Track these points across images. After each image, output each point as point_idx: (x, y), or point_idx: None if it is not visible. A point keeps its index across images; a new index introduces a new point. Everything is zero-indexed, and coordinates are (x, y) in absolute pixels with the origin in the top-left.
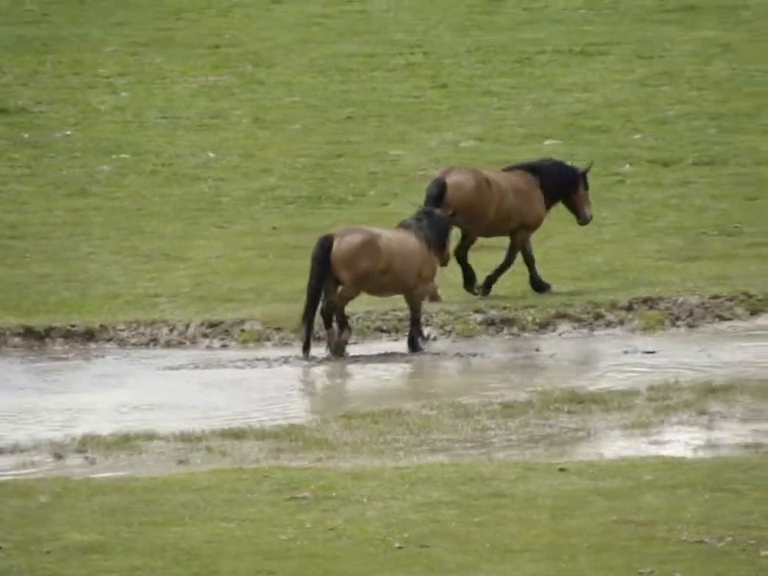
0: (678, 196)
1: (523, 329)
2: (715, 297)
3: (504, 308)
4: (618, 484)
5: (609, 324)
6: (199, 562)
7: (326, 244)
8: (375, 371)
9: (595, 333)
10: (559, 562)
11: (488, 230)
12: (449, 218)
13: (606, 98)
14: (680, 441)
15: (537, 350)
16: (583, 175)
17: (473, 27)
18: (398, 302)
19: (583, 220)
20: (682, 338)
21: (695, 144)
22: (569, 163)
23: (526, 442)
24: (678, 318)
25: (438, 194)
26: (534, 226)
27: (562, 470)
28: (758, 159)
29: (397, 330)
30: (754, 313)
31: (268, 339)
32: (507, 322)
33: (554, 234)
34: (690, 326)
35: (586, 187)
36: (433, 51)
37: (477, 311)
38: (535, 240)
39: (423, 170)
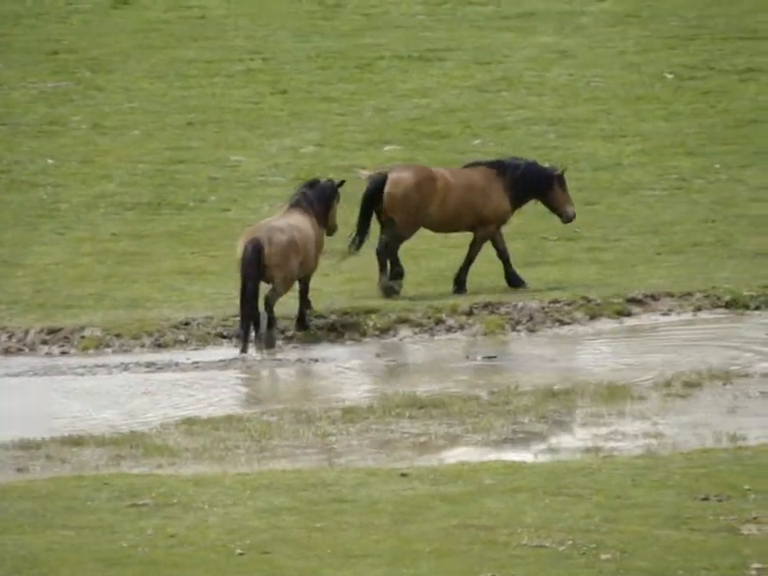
0: None
1: (364, 334)
2: (555, 301)
3: (345, 313)
4: (459, 489)
5: (450, 329)
6: (39, 570)
7: (257, 247)
8: (217, 377)
9: (436, 338)
10: (401, 567)
11: (439, 226)
12: (334, 186)
13: (446, 104)
14: (520, 445)
15: (377, 355)
16: (559, 177)
17: (312, 33)
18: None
19: (566, 218)
20: (523, 343)
21: (534, 149)
22: (545, 165)
23: (367, 447)
24: (518, 323)
25: (375, 188)
26: (494, 221)
27: (403, 475)
28: (596, 165)
29: (238, 336)
30: (593, 317)
31: (108, 346)
32: (348, 327)
33: None
34: (531, 331)
35: (564, 188)
36: (272, 57)
37: (318, 316)
38: (375, 245)
39: (264, 176)
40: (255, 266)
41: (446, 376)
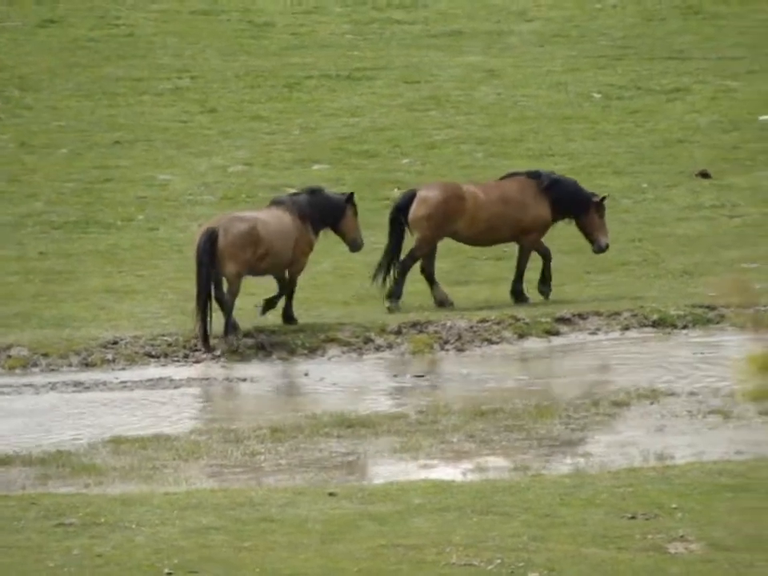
0: None
1: (293, 353)
2: (483, 320)
3: (273, 332)
4: (388, 508)
5: (378, 348)
6: None
7: (212, 236)
8: (144, 396)
9: (364, 357)
10: None
11: (474, 241)
12: (342, 198)
13: (374, 123)
14: (449, 464)
15: (306, 374)
16: (597, 204)
17: (241, 52)
18: (168, 327)
19: (597, 247)
20: (451, 362)
21: (463, 168)
22: (586, 190)
23: (295, 466)
24: (446, 342)
25: (403, 205)
26: (535, 229)
27: (331, 494)
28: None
29: (166, 355)
30: (522, 336)
31: (35, 365)
32: (276, 345)
33: (323, 258)
34: (459, 350)
35: (601, 215)
36: (201, 75)
37: (246, 335)
38: (307, 264)
39: (192, 195)
40: (209, 254)
41: (375, 395)
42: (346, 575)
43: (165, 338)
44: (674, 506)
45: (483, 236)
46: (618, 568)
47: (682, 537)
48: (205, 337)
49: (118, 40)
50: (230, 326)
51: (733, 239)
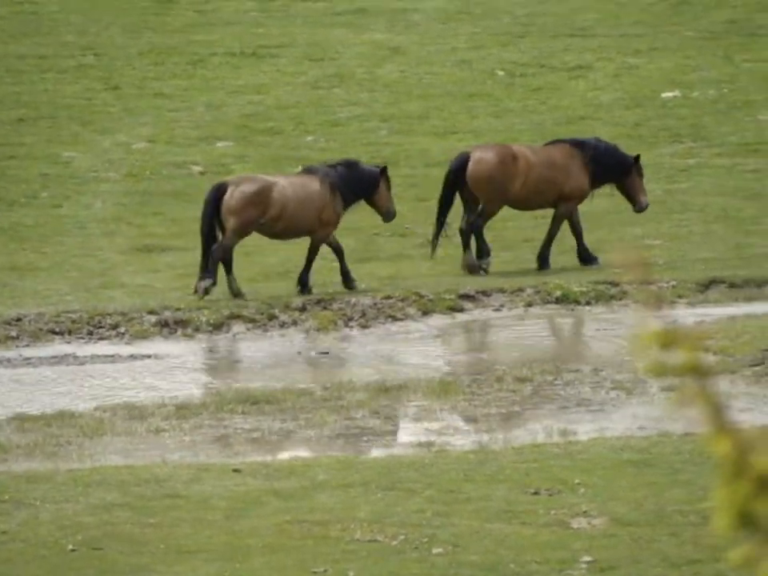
0: None
1: (197, 330)
2: (387, 297)
3: (178, 309)
4: (293, 484)
5: (283, 325)
6: None
7: (220, 189)
8: (48, 373)
9: (269, 333)
10: (233, 562)
11: (521, 203)
12: (376, 171)
13: (278, 100)
14: (353, 440)
15: (211, 350)
16: (636, 164)
17: (144, 29)
18: (71, 303)
19: (638, 207)
20: (355, 339)
21: (367, 146)
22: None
23: (200, 443)
24: (350, 319)
25: (458, 168)
26: (574, 198)
27: (236, 470)
28: (428, 161)
29: (70, 332)
30: (426, 313)
31: None
32: (181, 323)
33: None
34: (363, 327)
35: (641, 175)
36: (105, 53)
37: (150, 312)
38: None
39: (96, 172)
40: (212, 206)
41: (280, 371)
42: (251, 551)
43: (69, 314)
44: (576, 481)
45: (530, 199)
46: (522, 543)
47: (584, 512)
48: (205, 290)
49: (22, 17)
50: (209, 272)
51: (636, 216)
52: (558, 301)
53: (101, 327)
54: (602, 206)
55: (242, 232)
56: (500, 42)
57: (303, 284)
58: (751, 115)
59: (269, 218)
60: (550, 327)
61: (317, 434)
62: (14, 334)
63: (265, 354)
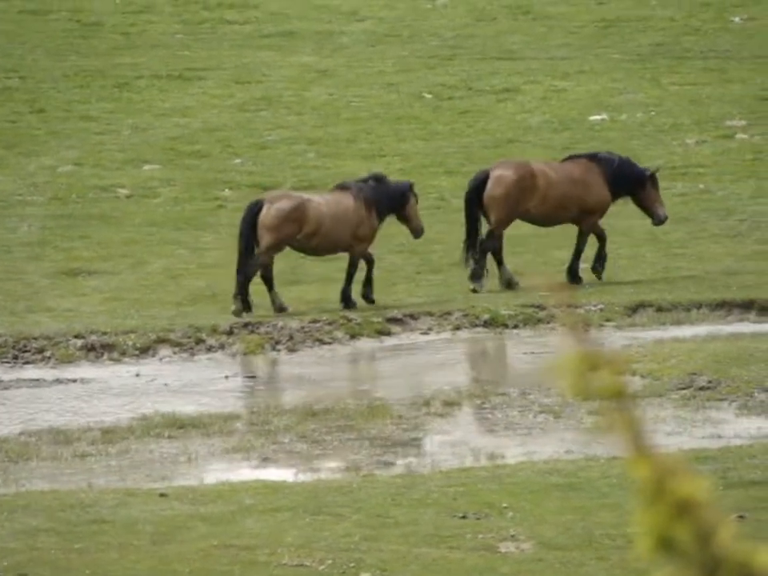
0: None
1: (124, 354)
2: (315, 321)
3: (104, 333)
4: (219, 509)
5: (210, 348)
6: None
7: (256, 206)
8: None
9: (196, 357)
10: None
11: (541, 220)
12: (404, 186)
13: (205, 123)
14: (281, 465)
15: (137, 375)
16: (652, 176)
17: (70, 52)
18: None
19: (657, 220)
20: (282, 363)
21: (294, 168)
22: (638, 165)
23: (126, 467)
24: (278, 342)
25: (477, 186)
26: (597, 211)
27: (162, 495)
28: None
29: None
30: (354, 336)
31: None
32: (107, 347)
33: (153, 258)
34: (291, 350)
35: (656, 188)
36: (30, 75)
37: (76, 336)
38: (134, 265)
39: (21, 195)
40: (248, 223)
41: (207, 396)
42: None
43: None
44: (504, 505)
45: (551, 215)
46: (450, 567)
47: (512, 536)
48: (241, 308)
49: None
50: (243, 288)
51: (563, 239)
52: (486, 324)
53: (26, 351)
54: (528, 228)
55: (277, 248)
56: (427, 64)
57: (347, 299)
58: (678, 138)
59: (304, 234)
60: (477, 351)
61: (244, 458)
62: None
63: (191, 377)
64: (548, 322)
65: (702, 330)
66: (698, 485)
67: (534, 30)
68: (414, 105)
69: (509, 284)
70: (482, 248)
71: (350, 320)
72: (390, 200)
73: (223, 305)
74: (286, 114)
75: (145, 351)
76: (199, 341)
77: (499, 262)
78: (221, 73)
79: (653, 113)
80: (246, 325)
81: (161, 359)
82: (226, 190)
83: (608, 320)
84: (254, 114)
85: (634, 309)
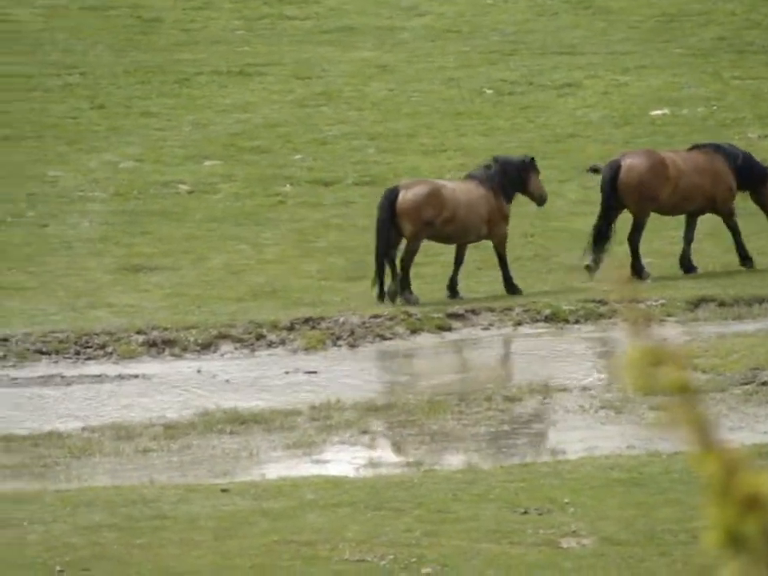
0: (339, 216)
1: (185, 349)
2: (376, 316)
3: (165, 329)
4: (281, 504)
5: (270, 344)
6: None
7: (393, 194)
8: (36, 393)
9: (257, 353)
10: None
11: (669, 210)
12: (524, 161)
13: (266, 119)
14: (342, 460)
15: (198, 371)
16: None
17: (130, 48)
18: (58, 323)
19: None
20: (344, 358)
21: (355, 164)
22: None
23: (188, 463)
24: (339, 338)
25: (611, 176)
26: (727, 200)
27: (224, 490)
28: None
29: (57, 352)
30: (414, 332)
31: None
32: (169, 342)
33: (213, 254)
34: (352, 346)
35: None
36: (90, 72)
37: (138, 332)
38: (195, 260)
39: (83, 191)
40: (387, 211)
41: (268, 391)
42: (239, 572)
43: (56, 334)
44: (566, 500)
45: (679, 205)
46: (511, 563)
47: (574, 532)
48: (380, 294)
49: (7, 36)
50: (405, 283)
51: (625, 234)
52: (547, 319)
53: (88, 347)
54: (590, 223)
55: (421, 234)
56: (488, 60)
57: (510, 287)
58: (741, 132)
59: (441, 219)
60: (539, 346)
61: (305, 454)
62: (0, 354)
63: (253, 373)
64: (610, 317)
65: (764, 324)
66: (766, 480)
67: (594, 24)
68: (474, 100)
69: (639, 273)
70: (631, 245)
71: (410, 315)
72: (512, 183)
73: (283, 300)
74: (346, 109)
75: (206, 347)
76: (260, 336)
77: (634, 253)
78: (281, 68)
79: (714, 107)
80: (306, 320)
81: (222, 355)
82: (287, 185)
83: (669, 315)
84: (315, 109)
85: (696, 304)
